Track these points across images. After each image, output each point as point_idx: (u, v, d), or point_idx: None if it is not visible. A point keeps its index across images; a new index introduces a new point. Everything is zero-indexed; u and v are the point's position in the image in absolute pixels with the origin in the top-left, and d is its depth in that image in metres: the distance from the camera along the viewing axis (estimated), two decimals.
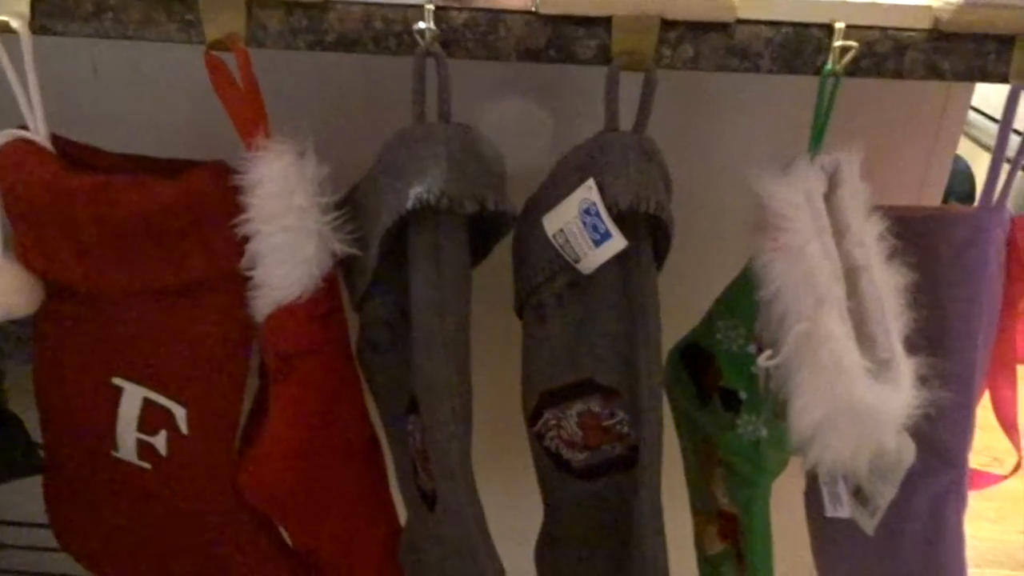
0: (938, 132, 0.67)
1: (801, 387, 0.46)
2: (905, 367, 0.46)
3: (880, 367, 0.45)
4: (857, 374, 0.44)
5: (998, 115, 0.52)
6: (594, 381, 0.55)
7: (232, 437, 0.58)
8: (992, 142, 0.52)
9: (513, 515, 0.64)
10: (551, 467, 0.59)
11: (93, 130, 0.55)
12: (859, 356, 0.45)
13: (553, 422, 0.58)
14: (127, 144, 0.55)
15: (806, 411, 0.45)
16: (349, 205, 0.53)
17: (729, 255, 0.56)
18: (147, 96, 0.67)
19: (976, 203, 0.54)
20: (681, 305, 0.59)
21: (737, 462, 0.60)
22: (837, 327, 0.45)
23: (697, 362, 0.64)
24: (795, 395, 0.46)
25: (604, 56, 0.49)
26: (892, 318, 0.47)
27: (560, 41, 0.48)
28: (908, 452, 0.47)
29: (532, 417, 0.58)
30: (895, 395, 0.45)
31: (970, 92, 0.66)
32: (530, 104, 0.63)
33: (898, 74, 0.50)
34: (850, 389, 0.44)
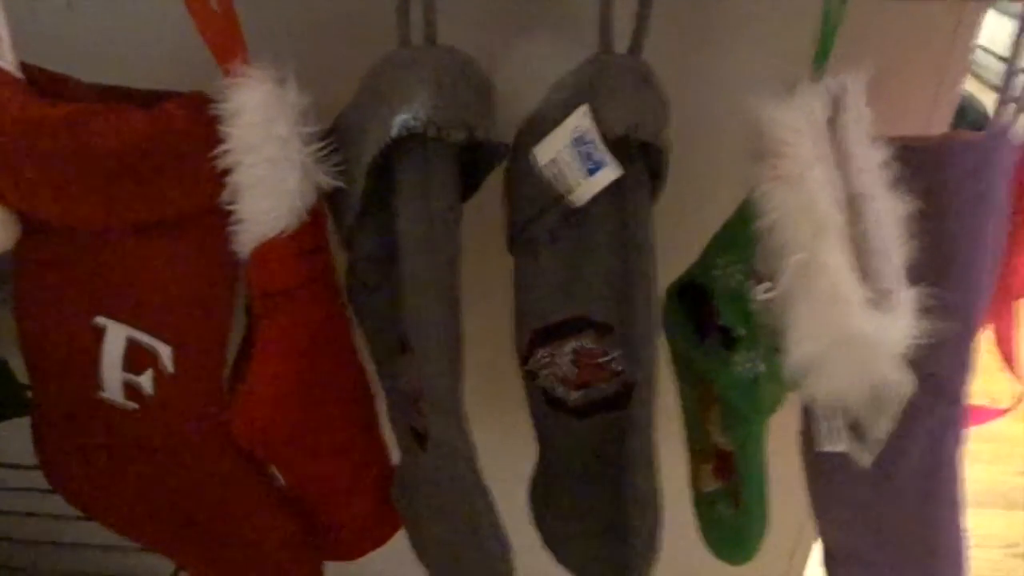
0: (947, 60, 0.65)
1: (799, 318, 0.44)
2: (906, 297, 0.45)
3: (880, 297, 0.44)
4: (856, 304, 0.43)
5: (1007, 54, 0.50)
6: (588, 318, 0.54)
7: (219, 375, 0.57)
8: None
9: (507, 456, 0.63)
10: (545, 406, 0.58)
11: (69, 65, 0.53)
12: (858, 286, 0.43)
13: (547, 360, 0.57)
14: (105, 79, 0.53)
15: (803, 342, 0.44)
16: (334, 135, 0.51)
17: (728, 187, 0.54)
18: (124, 28, 0.65)
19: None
20: (679, 240, 0.57)
21: (734, 400, 0.59)
22: (836, 256, 0.43)
23: (694, 300, 0.63)
24: (793, 326, 0.45)
25: None
26: (894, 248, 0.45)
27: None
28: (907, 384, 0.46)
29: (525, 355, 0.57)
30: (894, 325, 0.43)
31: (981, 14, 0.63)
32: (521, 27, 0.60)
33: None
34: (848, 319, 0.43)
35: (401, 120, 0.45)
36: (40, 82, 0.50)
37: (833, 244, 0.44)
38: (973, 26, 0.65)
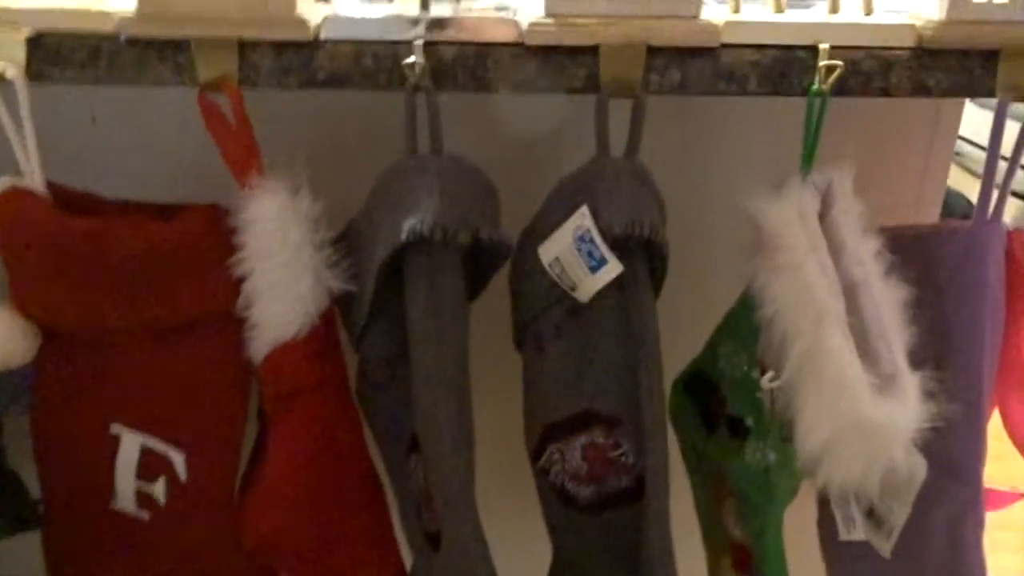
0: (930, 150, 0.68)
1: (806, 406, 0.45)
2: (910, 382, 0.45)
3: (885, 382, 0.45)
4: (862, 389, 0.43)
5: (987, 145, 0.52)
6: (597, 411, 0.54)
7: (232, 482, 0.57)
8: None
9: (521, 556, 0.62)
10: (557, 503, 0.58)
11: (92, 180, 0.56)
12: (863, 371, 0.44)
13: (557, 456, 0.57)
14: (127, 194, 0.56)
15: (812, 430, 0.45)
16: (345, 241, 0.53)
17: (727, 280, 0.55)
18: (146, 146, 0.68)
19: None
20: (682, 332, 0.58)
21: (748, 491, 0.59)
22: (839, 342, 0.44)
23: (702, 392, 0.63)
24: (800, 415, 0.45)
25: (593, 85, 0.49)
26: (894, 333, 0.46)
27: (549, 71, 0.49)
28: (919, 468, 0.46)
29: (536, 452, 0.57)
30: (902, 410, 0.44)
31: (960, 108, 0.66)
32: (523, 135, 0.63)
33: (885, 92, 0.50)
34: (855, 405, 0.43)
35: (409, 225, 0.47)
36: (64, 198, 0.52)
37: (835, 330, 0.45)
38: (953, 120, 0.68)
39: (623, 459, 0.55)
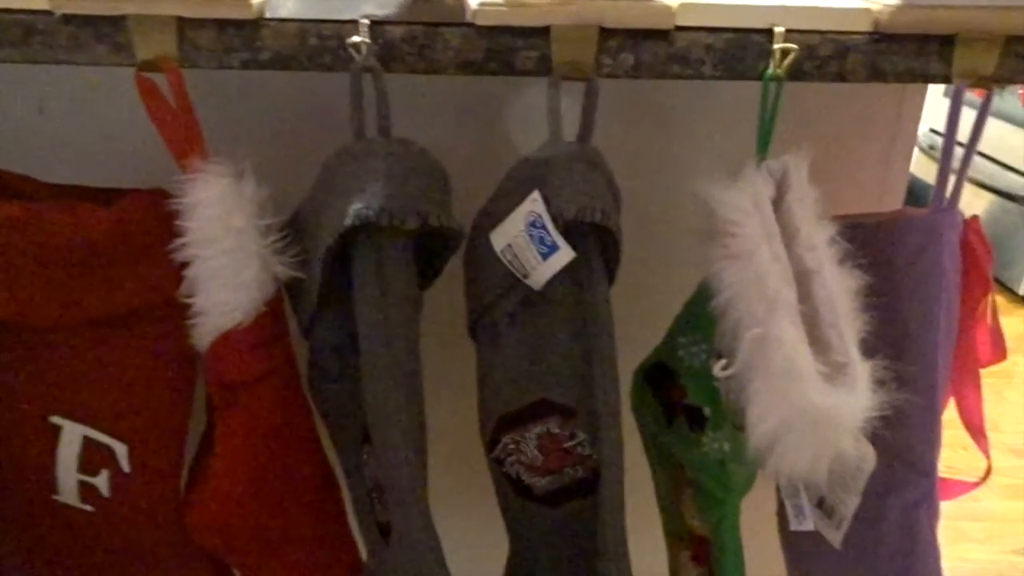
0: (894, 141, 0.67)
1: (756, 395, 0.44)
2: (861, 370, 0.45)
3: (835, 371, 0.44)
4: (811, 378, 0.43)
5: (963, 139, 0.51)
6: (551, 401, 0.54)
7: (177, 474, 0.55)
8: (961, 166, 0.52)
9: (478, 549, 0.61)
10: (512, 494, 0.57)
11: (40, 168, 0.54)
12: (812, 360, 0.44)
13: (512, 446, 0.56)
14: (73, 179, 0.54)
15: (762, 419, 0.44)
16: (292, 227, 0.51)
17: (688, 268, 0.55)
18: (94, 132, 0.66)
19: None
20: (642, 322, 0.58)
21: (705, 480, 0.58)
22: (789, 331, 0.43)
23: (662, 382, 0.63)
24: (751, 403, 0.45)
25: (544, 67, 0.48)
26: (846, 321, 0.46)
27: (499, 53, 0.48)
28: (868, 458, 0.45)
29: (491, 442, 0.56)
30: (851, 398, 0.43)
31: (922, 98, 0.66)
32: (474, 119, 0.62)
33: (841, 77, 0.49)
34: (804, 393, 0.43)
35: (355, 210, 0.46)
36: (1, 182, 0.50)
37: (785, 318, 0.44)
38: (916, 109, 0.67)
39: (579, 449, 0.55)
